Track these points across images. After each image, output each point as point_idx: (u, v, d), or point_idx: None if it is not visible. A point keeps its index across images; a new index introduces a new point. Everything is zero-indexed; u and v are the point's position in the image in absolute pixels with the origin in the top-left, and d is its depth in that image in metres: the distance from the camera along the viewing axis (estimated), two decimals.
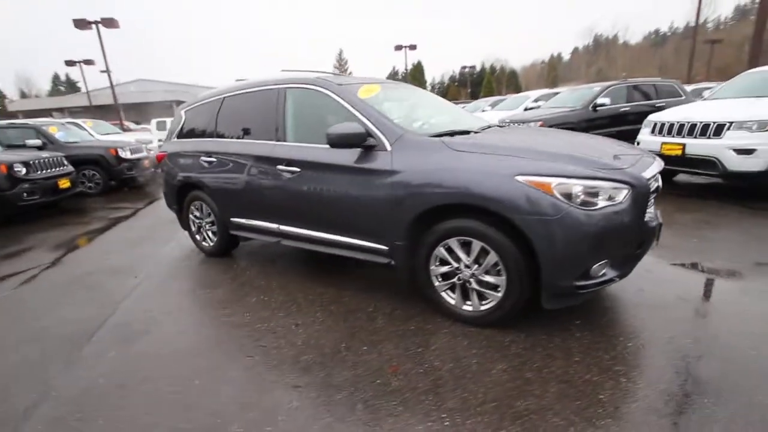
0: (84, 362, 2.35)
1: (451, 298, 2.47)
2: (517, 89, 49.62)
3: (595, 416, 1.69)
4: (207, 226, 3.91)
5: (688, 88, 11.00)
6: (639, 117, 7.97)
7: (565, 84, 62.14)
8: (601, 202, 2.03)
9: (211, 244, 3.93)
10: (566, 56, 75.55)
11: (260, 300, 2.98)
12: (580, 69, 68.49)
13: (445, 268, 2.43)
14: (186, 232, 4.21)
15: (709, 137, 4.66)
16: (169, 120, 16.83)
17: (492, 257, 2.23)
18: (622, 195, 2.05)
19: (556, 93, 10.92)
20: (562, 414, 1.72)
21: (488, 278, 2.28)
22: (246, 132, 3.41)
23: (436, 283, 2.50)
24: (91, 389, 2.09)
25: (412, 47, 27.83)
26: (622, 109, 7.94)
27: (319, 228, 2.94)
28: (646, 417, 1.67)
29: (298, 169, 2.91)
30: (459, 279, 2.40)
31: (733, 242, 3.55)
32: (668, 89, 8.45)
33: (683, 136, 4.95)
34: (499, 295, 2.27)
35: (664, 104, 8.02)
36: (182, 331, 2.64)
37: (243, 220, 3.47)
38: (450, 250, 2.38)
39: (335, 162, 2.72)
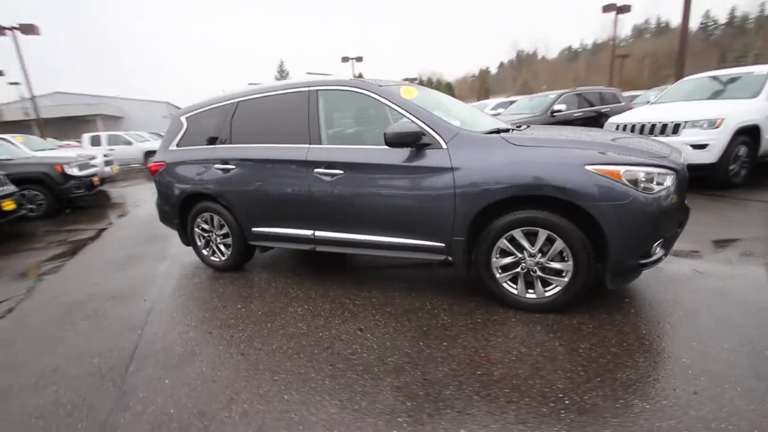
0: (137, 395, 2.08)
1: (513, 288, 2.56)
2: None
3: (691, 377, 1.86)
4: (218, 239, 3.64)
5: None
6: (587, 121, 8.84)
7: (495, 95, 66.76)
8: (656, 187, 2.25)
9: (224, 258, 3.67)
10: (494, 70, 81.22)
11: (306, 309, 2.85)
12: (507, 81, 73.88)
13: (507, 259, 2.52)
14: (184, 248, 3.88)
15: (668, 135, 5.29)
16: (105, 134, 15.34)
17: (559, 244, 2.35)
18: (670, 180, 2.29)
19: (513, 101, 11.76)
20: (661, 380, 1.86)
21: (554, 265, 2.41)
22: (270, 136, 3.26)
23: (498, 275, 2.57)
24: (167, 422, 1.86)
25: (359, 59, 28.26)
26: (575, 115, 8.74)
27: (364, 230, 2.89)
28: (727, 372, 1.87)
29: (340, 172, 2.85)
30: (522, 268, 2.50)
31: (712, 225, 4.05)
32: (610, 96, 9.47)
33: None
34: (565, 280, 2.40)
35: (608, 110, 8.96)
36: (235, 348, 2.43)
37: (268, 229, 3.29)
38: (513, 241, 2.47)
39: (385, 162, 2.71)
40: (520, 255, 2.48)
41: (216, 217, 3.57)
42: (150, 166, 3.97)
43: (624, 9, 17.41)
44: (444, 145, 2.57)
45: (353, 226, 2.93)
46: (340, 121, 3.04)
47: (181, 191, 3.63)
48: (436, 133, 2.60)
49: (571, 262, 2.36)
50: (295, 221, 3.16)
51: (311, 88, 3.07)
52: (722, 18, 64.23)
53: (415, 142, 2.57)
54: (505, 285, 2.57)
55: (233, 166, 3.33)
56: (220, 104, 3.54)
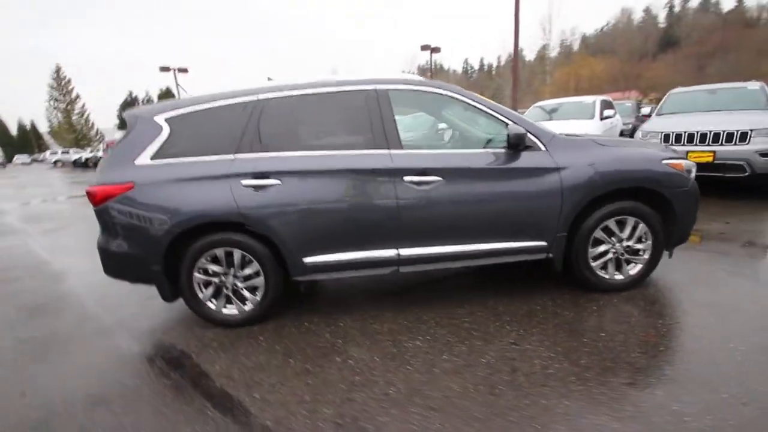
0: None
1: (605, 273, 2.85)
2: None
3: None
4: (238, 282, 2.68)
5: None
6: None
7: None
8: (692, 176, 2.93)
9: (247, 307, 2.72)
10: None
11: (427, 342, 2.42)
12: None
13: (601, 248, 2.80)
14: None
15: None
16: None
17: (642, 228, 2.77)
18: (695, 171, 3.02)
19: None
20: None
21: (638, 246, 2.81)
22: (325, 141, 2.66)
23: (593, 264, 2.82)
24: None
25: (183, 70, 24.77)
26: None
27: (462, 241, 2.69)
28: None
29: (438, 178, 2.58)
30: (613, 254, 2.82)
31: None
32: None
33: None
34: (645, 257, 2.84)
35: None
36: (398, 376, 1.87)
37: (330, 257, 2.64)
38: (606, 230, 2.77)
39: (490, 166, 2.62)
40: (612, 242, 2.79)
41: (238, 253, 2.62)
42: (94, 190, 2.59)
43: (436, 49, 21.19)
44: (543, 147, 2.67)
45: (450, 238, 2.68)
46: (420, 124, 2.75)
47: (175, 223, 2.52)
48: (535, 135, 2.68)
49: (650, 242, 2.81)
50: (373, 241, 2.65)
51: (378, 87, 2.67)
52: (476, 65, 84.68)
53: (524, 144, 2.59)
54: (599, 272, 2.84)
55: (276, 181, 2.54)
56: (232, 101, 2.65)
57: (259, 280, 2.69)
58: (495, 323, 2.58)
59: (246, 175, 2.54)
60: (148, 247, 2.58)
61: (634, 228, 2.78)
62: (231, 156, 2.59)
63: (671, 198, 2.73)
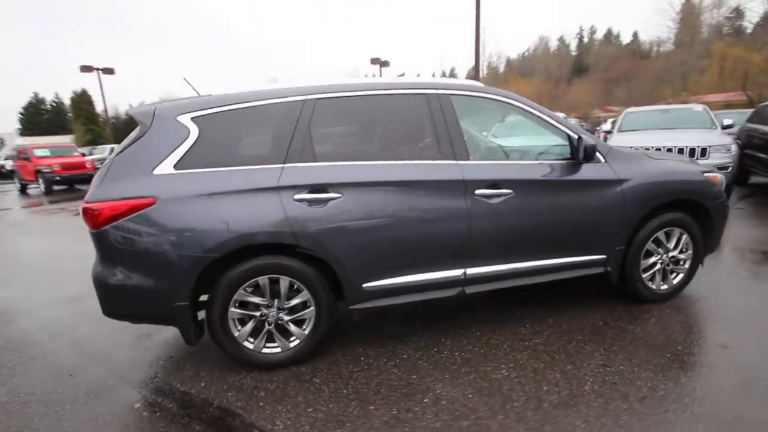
0: None
1: (653, 284, 2.86)
2: None
3: None
4: (282, 315, 2.24)
5: None
6: None
7: None
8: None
9: (292, 344, 2.28)
10: None
11: (509, 368, 2.20)
12: None
13: (652, 259, 2.81)
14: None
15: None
16: None
17: (686, 238, 2.84)
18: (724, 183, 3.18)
19: None
20: None
21: (681, 256, 2.87)
22: (385, 149, 2.37)
23: (644, 275, 2.82)
24: None
25: (108, 71, 22.12)
26: None
27: (527, 257, 2.53)
28: None
29: (510, 191, 2.40)
30: (661, 264, 2.84)
31: None
32: None
33: None
34: (686, 267, 2.91)
35: None
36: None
37: (393, 281, 2.32)
38: (657, 242, 2.79)
39: (559, 178, 2.52)
40: (659, 253, 2.82)
41: (285, 281, 2.19)
42: (98, 206, 2.00)
43: (385, 63, 21.42)
44: (603, 159, 2.63)
45: (518, 254, 2.51)
46: (483, 132, 2.55)
47: (212, 246, 2.03)
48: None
49: (691, 251, 2.88)
50: (440, 260, 2.38)
51: (440, 92, 2.44)
52: None
53: (594, 155, 2.53)
54: (648, 283, 2.84)
55: (337, 195, 2.17)
56: (277, 100, 2.24)
57: (309, 312, 2.27)
58: (570, 343, 2.43)
59: (300, 188, 2.14)
60: (172, 278, 2.05)
61: (679, 239, 2.84)
62: (279, 165, 2.17)
63: (711, 209, 2.83)
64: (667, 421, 1.77)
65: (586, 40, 69.44)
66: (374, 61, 21.03)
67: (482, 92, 2.55)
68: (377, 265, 2.29)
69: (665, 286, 2.90)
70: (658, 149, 5.87)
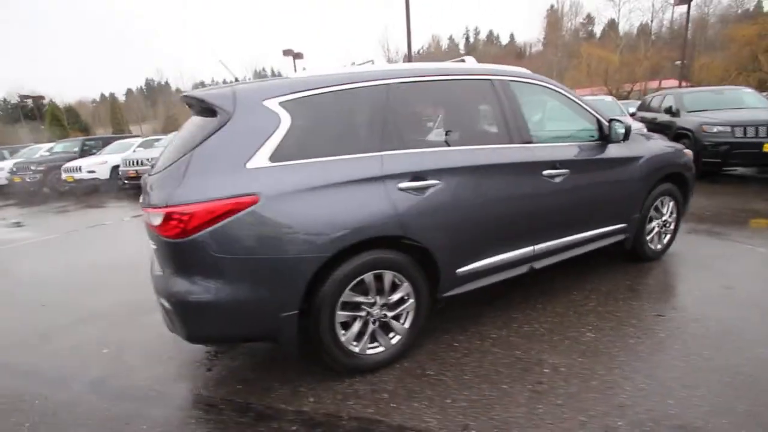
0: None
1: (653, 245, 3.37)
2: (85, 129, 41.42)
3: None
4: (386, 312, 2.13)
5: None
6: None
7: (135, 124, 58.06)
8: None
9: (393, 340, 2.18)
10: (121, 97, 70.18)
11: (594, 329, 2.41)
12: (142, 111, 66.14)
13: (653, 224, 3.31)
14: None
15: None
16: None
17: (672, 204, 3.41)
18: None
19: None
20: None
21: (670, 219, 3.43)
22: (464, 133, 2.38)
23: (647, 238, 3.31)
24: None
25: None
26: None
27: (575, 230, 2.79)
28: None
29: (567, 171, 2.62)
30: (658, 227, 3.37)
31: None
32: None
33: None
34: (672, 228, 3.49)
35: None
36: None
37: (480, 264, 2.36)
38: (656, 209, 3.29)
39: (601, 156, 2.82)
40: (657, 218, 3.33)
41: (389, 275, 2.08)
42: (188, 210, 1.63)
43: (299, 55, 20.62)
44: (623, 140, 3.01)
45: (572, 227, 2.75)
46: (535, 116, 2.70)
47: (324, 244, 1.82)
48: None
49: (675, 215, 3.46)
50: (517, 239, 2.49)
51: (501, 78, 2.53)
52: None
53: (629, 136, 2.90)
54: (650, 245, 3.34)
55: (435, 181, 2.12)
56: (364, 84, 2.08)
57: (409, 305, 2.19)
58: (618, 302, 2.76)
59: (402, 177, 2.05)
60: (281, 286, 1.81)
61: (668, 205, 3.39)
62: (377, 153, 2.04)
63: (688, 179, 3.44)
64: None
65: (472, 40, 75.75)
66: (287, 52, 20.16)
67: (531, 79, 2.71)
68: (469, 249, 2.31)
69: (660, 246, 3.44)
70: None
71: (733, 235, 4.02)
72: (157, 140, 11.89)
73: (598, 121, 2.89)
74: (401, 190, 2.04)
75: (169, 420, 1.90)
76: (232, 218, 1.71)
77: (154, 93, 71.45)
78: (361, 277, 2.01)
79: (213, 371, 2.27)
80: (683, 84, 20.91)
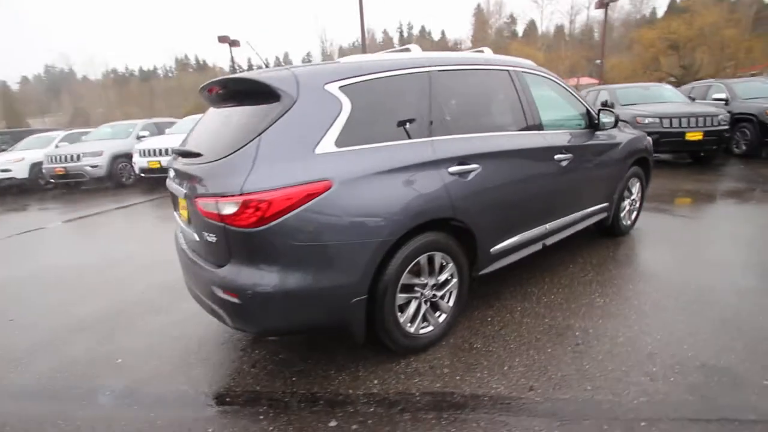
0: None
1: (625, 222, 3.83)
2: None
3: None
4: (435, 292, 2.21)
5: None
6: None
7: (34, 117, 50.78)
8: None
9: (440, 318, 2.28)
10: (14, 86, 60.80)
11: (602, 295, 2.72)
12: (42, 103, 58.02)
13: (625, 202, 3.76)
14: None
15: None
16: None
17: (639, 185, 3.89)
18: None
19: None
20: None
21: (637, 198, 3.92)
22: (493, 120, 2.55)
23: (621, 214, 3.75)
24: None
25: None
26: None
27: (577, 208, 3.10)
28: None
29: (571, 155, 2.89)
30: (629, 205, 3.83)
31: None
32: None
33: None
34: (638, 206, 3.98)
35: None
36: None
37: (508, 242, 2.54)
38: (629, 188, 3.74)
39: (596, 141, 3.15)
40: (628, 197, 3.78)
41: (438, 256, 2.16)
42: (268, 198, 1.56)
43: (235, 42, 19.43)
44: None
45: (573, 206, 3.05)
46: (543, 106, 2.90)
47: (392, 230, 1.86)
48: None
49: (640, 194, 3.96)
50: (536, 218, 2.72)
51: (516, 69, 2.73)
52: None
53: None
54: (623, 221, 3.79)
55: (476, 166, 2.23)
56: (411, 70, 2.13)
57: (453, 284, 2.31)
58: (611, 271, 3.12)
59: (451, 161, 2.14)
60: (354, 271, 1.82)
61: (636, 186, 3.87)
62: (427, 139, 2.10)
63: (650, 162, 3.95)
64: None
65: (405, 34, 76.99)
66: (222, 39, 18.92)
67: (536, 70, 2.93)
68: (501, 228, 2.48)
69: (629, 222, 3.92)
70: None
71: (676, 210, 4.69)
72: (84, 133, 10.64)
73: (588, 110, 3.21)
74: (451, 174, 2.13)
75: (237, 420, 1.82)
76: (307, 204, 1.68)
77: (56, 82, 62.93)
78: (417, 259, 2.07)
79: (257, 367, 2.19)
80: (600, 82, 23.33)
